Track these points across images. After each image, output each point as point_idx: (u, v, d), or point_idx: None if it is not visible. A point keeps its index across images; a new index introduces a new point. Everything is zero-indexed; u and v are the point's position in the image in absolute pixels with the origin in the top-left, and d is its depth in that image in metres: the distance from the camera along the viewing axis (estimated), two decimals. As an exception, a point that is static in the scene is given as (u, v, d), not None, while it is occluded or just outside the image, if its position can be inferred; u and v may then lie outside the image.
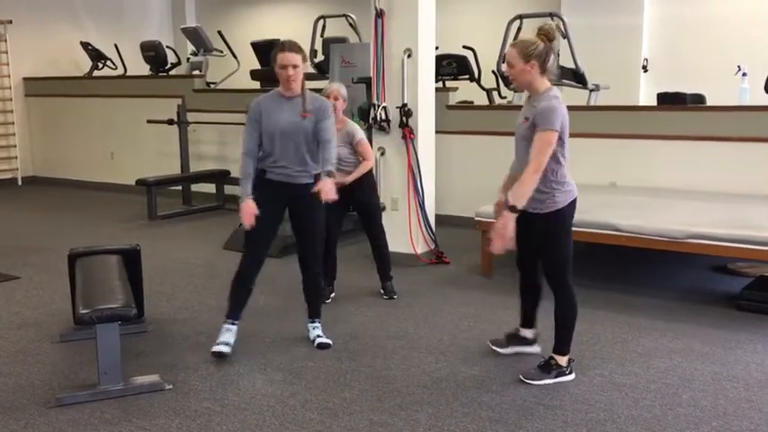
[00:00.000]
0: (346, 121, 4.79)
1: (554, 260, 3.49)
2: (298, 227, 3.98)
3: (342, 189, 4.69)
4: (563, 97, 3.44)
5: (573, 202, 3.48)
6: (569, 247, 3.48)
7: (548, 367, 3.58)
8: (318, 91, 4.85)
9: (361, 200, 4.91)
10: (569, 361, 3.62)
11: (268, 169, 3.86)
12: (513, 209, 3.32)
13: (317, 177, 3.85)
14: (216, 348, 3.87)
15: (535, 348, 3.86)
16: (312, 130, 3.82)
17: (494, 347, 3.93)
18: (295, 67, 3.73)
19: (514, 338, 3.90)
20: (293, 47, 3.78)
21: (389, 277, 5.04)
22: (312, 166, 3.87)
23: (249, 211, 3.76)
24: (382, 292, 5.00)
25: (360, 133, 4.78)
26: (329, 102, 4.01)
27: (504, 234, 3.32)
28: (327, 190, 3.72)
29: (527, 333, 3.87)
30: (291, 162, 3.84)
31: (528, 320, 3.87)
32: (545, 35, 3.39)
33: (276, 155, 3.83)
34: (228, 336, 3.93)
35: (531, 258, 3.63)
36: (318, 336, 4.09)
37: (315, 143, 3.85)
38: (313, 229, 3.98)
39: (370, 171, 4.93)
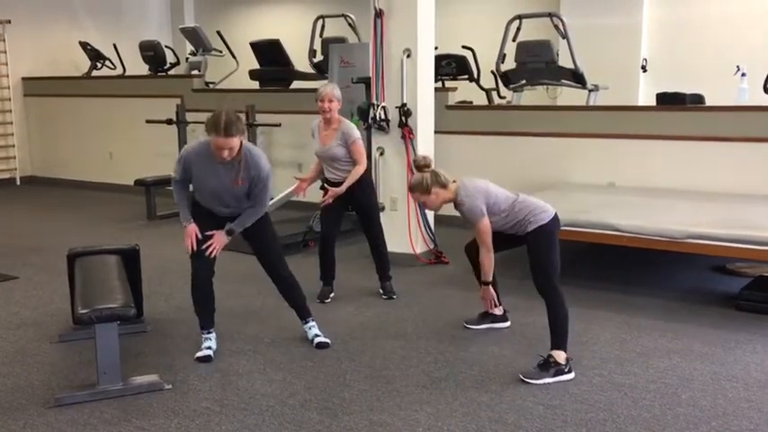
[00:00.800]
0: (342, 120, 4.76)
1: (544, 269, 3.69)
2: (251, 244, 4.00)
3: (337, 185, 4.72)
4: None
5: (555, 218, 3.78)
6: (557, 256, 3.71)
7: (546, 365, 3.60)
8: (313, 91, 4.85)
9: (360, 200, 4.90)
10: (567, 359, 3.63)
11: (200, 202, 3.89)
12: (486, 283, 3.98)
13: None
14: (199, 354, 3.91)
15: (506, 324, 4.34)
16: (245, 193, 3.79)
17: (468, 325, 4.34)
18: (231, 149, 3.59)
19: (486, 316, 4.34)
20: (230, 129, 3.52)
21: (389, 277, 5.03)
22: (243, 208, 3.85)
23: (192, 234, 3.80)
24: (381, 292, 5.00)
25: (355, 133, 4.73)
26: (267, 169, 3.76)
27: (490, 299, 4.09)
28: (216, 244, 3.80)
29: (496, 311, 4.31)
30: (219, 210, 3.86)
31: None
32: (418, 168, 3.88)
33: (205, 198, 3.85)
34: (209, 343, 3.98)
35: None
36: (317, 335, 4.09)
37: (247, 199, 3.83)
38: (265, 241, 3.98)
39: (368, 171, 4.93)
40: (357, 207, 4.98)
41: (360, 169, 4.73)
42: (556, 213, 3.81)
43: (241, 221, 3.85)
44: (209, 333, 4.00)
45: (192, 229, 3.82)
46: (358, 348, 4.05)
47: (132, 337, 4.15)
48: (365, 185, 4.88)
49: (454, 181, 3.85)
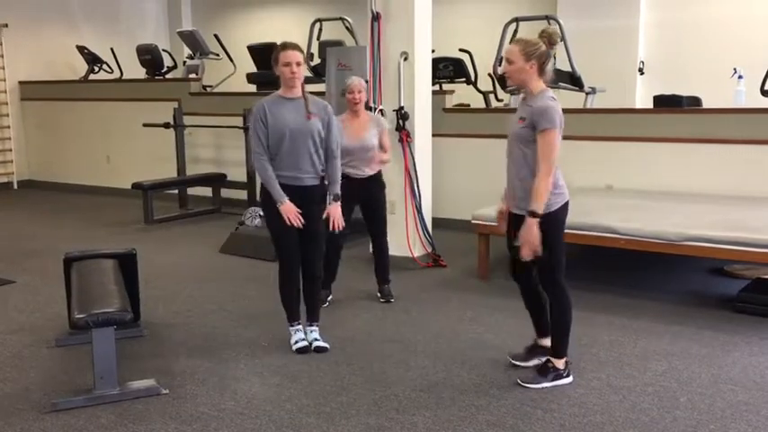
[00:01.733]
0: (365, 111, 4.90)
1: (548, 261, 3.47)
2: (304, 229, 3.95)
3: (359, 188, 4.73)
4: (559, 101, 3.45)
5: (565, 205, 3.48)
6: (562, 249, 3.49)
7: (545, 370, 3.58)
8: (319, 95, 4.87)
9: (374, 194, 4.88)
10: (566, 363, 3.61)
11: (276, 174, 3.88)
12: (533, 214, 3.33)
13: (322, 180, 3.95)
14: (296, 346, 4.02)
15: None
16: (318, 132, 3.87)
17: (514, 362, 3.80)
18: (298, 64, 3.80)
19: (535, 349, 3.79)
20: (295, 46, 3.85)
21: (388, 280, 5.02)
22: (319, 167, 3.93)
23: (293, 210, 3.84)
24: (379, 295, 4.99)
25: (385, 122, 4.98)
26: (329, 106, 4.02)
27: (531, 239, 3.34)
28: (337, 217, 4.01)
29: (545, 342, 3.72)
30: (298, 163, 3.87)
31: (542, 329, 3.76)
32: (548, 38, 3.43)
33: (283, 157, 3.85)
34: (300, 335, 4.08)
35: (524, 264, 3.55)
36: (315, 339, 4.09)
37: (322, 145, 3.91)
38: (319, 232, 4.02)
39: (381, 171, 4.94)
40: (369, 200, 4.87)
41: (389, 155, 4.92)
42: (568, 199, 3.50)
43: (333, 181, 3.98)
44: (298, 324, 4.10)
45: (291, 206, 3.83)
46: (355, 352, 4.04)
47: (129, 342, 4.13)
48: (381, 180, 4.91)
49: (546, 89, 3.42)
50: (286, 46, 3.84)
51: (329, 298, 4.91)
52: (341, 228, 4.03)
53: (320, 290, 4.20)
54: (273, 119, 3.83)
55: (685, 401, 3.39)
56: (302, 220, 3.85)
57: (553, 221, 3.42)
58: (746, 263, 4.97)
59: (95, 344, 3.39)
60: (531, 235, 3.33)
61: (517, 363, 3.79)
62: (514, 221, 3.52)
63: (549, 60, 3.41)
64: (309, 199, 3.91)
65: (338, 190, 4.01)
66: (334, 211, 4.00)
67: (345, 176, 4.80)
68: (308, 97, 3.90)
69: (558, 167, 3.42)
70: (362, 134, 4.74)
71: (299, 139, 3.83)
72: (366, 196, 4.86)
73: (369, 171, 4.80)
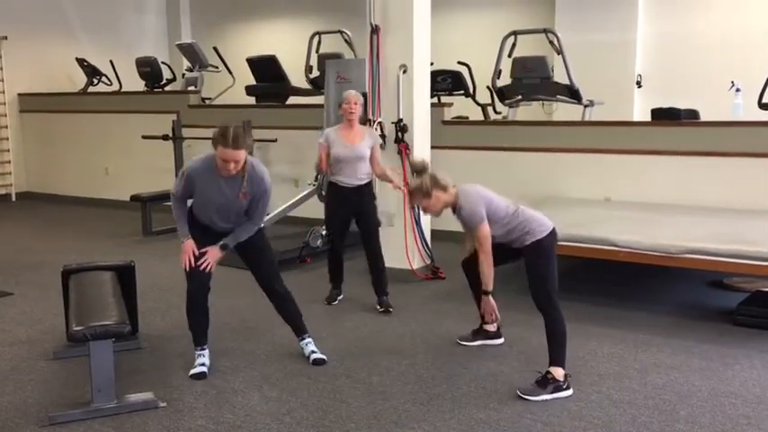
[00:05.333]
0: (359, 124, 5.01)
1: (543, 283, 3.66)
2: (244, 257, 4.00)
3: (350, 197, 4.92)
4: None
5: (552, 232, 3.74)
6: (555, 271, 3.69)
7: (545, 382, 3.58)
8: (317, 107, 4.95)
9: (367, 208, 5.04)
10: (566, 376, 3.61)
11: (198, 217, 3.89)
12: (486, 293, 3.83)
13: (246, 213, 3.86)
14: (192, 371, 3.89)
15: (499, 340, 4.32)
16: (244, 207, 3.82)
17: (462, 342, 4.31)
18: (237, 162, 3.60)
19: (480, 333, 4.32)
20: (238, 141, 3.55)
21: (386, 292, 5.05)
22: (240, 222, 3.88)
23: (189, 250, 3.80)
24: (378, 306, 5.00)
25: (378, 138, 5.18)
26: (269, 184, 3.82)
27: (491, 312, 3.88)
28: (210, 258, 3.81)
29: (490, 327, 4.28)
30: (219, 225, 3.87)
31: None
32: (416, 171, 3.82)
33: (206, 218, 3.87)
34: (201, 359, 3.96)
35: (472, 257, 3.97)
36: (313, 351, 4.07)
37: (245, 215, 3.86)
38: (258, 254, 3.99)
39: (372, 182, 5.06)
40: (362, 215, 5.03)
41: (396, 178, 5.13)
42: (554, 228, 3.78)
43: (235, 236, 3.86)
44: (202, 350, 3.98)
45: (190, 245, 3.82)
46: (354, 364, 4.03)
47: (127, 355, 4.12)
48: (371, 191, 5.07)
49: (454, 186, 3.79)
50: (228, 142, 3.53)
51: (339, 297, 5.18)
52: (208, 270, 3.82)
53: (292, 303, 4.09)
54: (200, 192, 3.78)
55: (685, 415, 3.38)
56: (193, 262, 3.76)
57: (543, 246, 3.67)
58: (745, 275, 4.97)
59: (93, 356, 3.38)
60: (490, 309, 3.87)
61: (463, 343, 4.31)
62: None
63: (435, 174, 3.77)
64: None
65: (230, 243, 3.83)
66: (211, 254, 3.80)
67: (334, 184, 4.97)
68: (247, 176, 3.69)
69: (519, 214, 3.74)
70: (355, 143, 4.88)
71: (223, 211, 3.82)
72: (357, 205, 4.98)
73: (357, 181, 4.93)
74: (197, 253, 3.80)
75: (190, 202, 3.92)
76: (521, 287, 5.29)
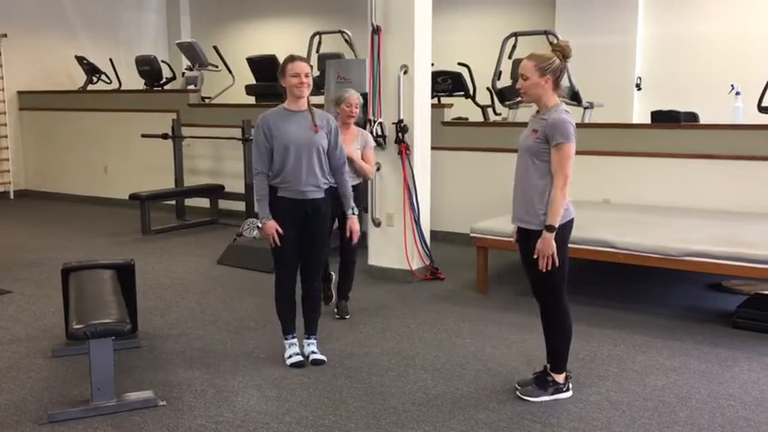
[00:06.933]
0: (354, 126, 4.96)
1: (551, 277, 3.43)
2: (305, 241, 3.96)
3: (335, 197, 4.71)
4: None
5: (570, 222, 3.45)
6: (566, 266, 3.46)
7: (545, 384, 3.57)
8: (318, 107, 4.92)
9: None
10: (566, 378, 3.60)
11: (279, 187, 3.87)
12: (550, 228, 3.34)
13: (326, 192, 3.94)
14: (290, 361, 4.00)
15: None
16: (323, 145, 3.87)
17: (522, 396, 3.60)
18: (306, 75, 3.82)
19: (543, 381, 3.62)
20: (302, 58, 3.90)
21: (348, 297, 4.98)
22: (322, 181, 3.91)
23: (272, 228, 3.84)
24: (336, 310, 4.93)
25: (372, 140, 5.08)
26: (333, 120, 4.00)
27: (547, 253, 3.36)
28: (356, 230, 4.13)
29: (559, 377, 3.61)
30: (303, 177, 3.85)
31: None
32: (561, 52, 3.37)
33: (287, 171, 3.84)
34: (294, 349, 4.06)
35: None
36: (313, 352, 4.07)
37: (326, 158, 3.91)
38: (320, 244, 4.02)
39: (359, 184, 4.99)
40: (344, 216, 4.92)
41: (371, 169, 4.95)
42: (573, 218, 3.48)
43: (345, 194, 4.02)
44: (293, 338, 4.08)
45: (273, 225, 3.84)
46: (354, 365, 4.03)
47: (127, 353, 4.11)
48: (357, 193, 4.92)
49: (561, 103, 3.41)
50: (294, 58, 3.87)
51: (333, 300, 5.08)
52: (354, 242, 4.12)
53: (319, 302, 4.18)
54: (277, 132, 3.82)
55: (685, 417, 3.39)
56: (278, 241, 3.83)
57: (558, 236, 3.38)
58: (744, 278, 4.98)
59: (93, 355, 3.37)
60: (547, 248, 3.35)
61: (525, 398, 3.59)
62: (522, 237, 3.53)
63: (564, 74, 3.41)
64: (313, 212, 3.90)
65: (353, 203, 4.06)
66: (353, 225, 4.09)
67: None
68: (313, 110, 3.90)
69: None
70: (349, 143, 4.80)
71: (303, 152, 3.82)
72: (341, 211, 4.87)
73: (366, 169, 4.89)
74: (281, 231, 3.84)
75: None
76: (520, 287, 5.31)
